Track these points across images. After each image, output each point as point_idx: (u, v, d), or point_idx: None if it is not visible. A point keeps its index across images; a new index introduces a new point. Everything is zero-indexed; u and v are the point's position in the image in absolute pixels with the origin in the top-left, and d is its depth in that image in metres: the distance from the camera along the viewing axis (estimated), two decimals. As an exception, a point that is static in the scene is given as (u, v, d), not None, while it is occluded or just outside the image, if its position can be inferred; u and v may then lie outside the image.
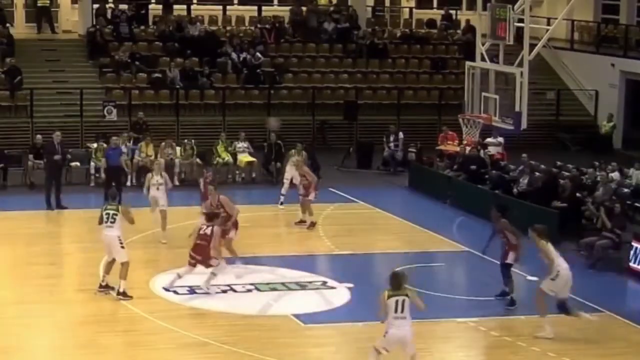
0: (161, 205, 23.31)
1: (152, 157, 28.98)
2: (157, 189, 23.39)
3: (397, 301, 14.49)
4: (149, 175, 23.83)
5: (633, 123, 37.24)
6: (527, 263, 21.99)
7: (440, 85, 37.91)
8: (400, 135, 32.78)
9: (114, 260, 19.18)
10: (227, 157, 30.26)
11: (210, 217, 19.54)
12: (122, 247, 19.06)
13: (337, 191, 28.90)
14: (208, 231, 19.19)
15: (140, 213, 26.10)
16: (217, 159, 30.20)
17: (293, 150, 27.05)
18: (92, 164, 29.10)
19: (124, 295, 18.95)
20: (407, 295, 14.57)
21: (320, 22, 39.85)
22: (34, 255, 22.08)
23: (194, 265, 19.32)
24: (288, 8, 40.77)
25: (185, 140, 30.72)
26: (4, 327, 17.48)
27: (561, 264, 17.46)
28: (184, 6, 40.02)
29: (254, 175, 30.12)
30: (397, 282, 14.65)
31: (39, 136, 29.22)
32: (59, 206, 26.20)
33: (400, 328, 14.55)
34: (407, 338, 14.67)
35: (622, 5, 40.64)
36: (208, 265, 19.24)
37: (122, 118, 33.29)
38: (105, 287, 19.27)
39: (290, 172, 26.41)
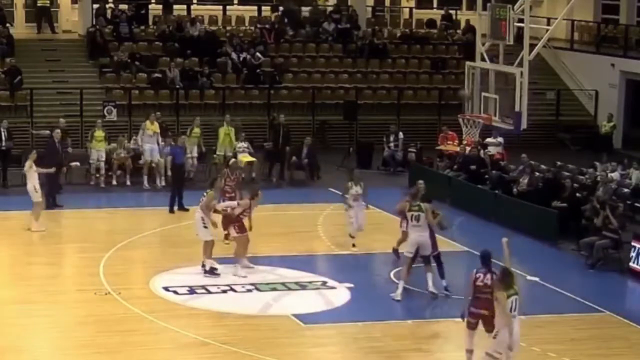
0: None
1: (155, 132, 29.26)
2: None
3: (512, 301, 14.67)
4: None
5: (633, 123, 37.25)
6: (527, 263, 22.03)
7: (440, 85, 37.89)
8: (400, 135, 32.78)
9: (212, 241, 20.47)
10: (229, 146, 30.09)
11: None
12: (205, 227, 20.29)
13: (337, 191, 28.84)
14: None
15: (140, 213, 26.27)
16: (217, 155, 30.02)
17: (350, 183, 23.27)
18: (94, 154, 29.08)
19: (210, 271, 20.31)
20: (518, 294, 14.75)
21: (314, 18, 39.91)
22: (34, 255, 22.08)
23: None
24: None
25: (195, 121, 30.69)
26: (4, 327, 17.48)
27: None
28: (184, 6, 40.02)
29: (254, 175, 30.11)
30: (507, 280, 14.77)
31: (62, 120, 29.55)
32: (55, 205, 26.22)
33: (515, 328, 14.71)
34: (518, 340, 14.87)
35: (622, 5, 40.64)
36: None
37: (122, 118, 33.26)
38: (208, 271, 20.40)
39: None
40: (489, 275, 15.48)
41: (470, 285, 15.60)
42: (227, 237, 22.24)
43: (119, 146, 29.47)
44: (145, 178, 28.82)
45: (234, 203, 21.06)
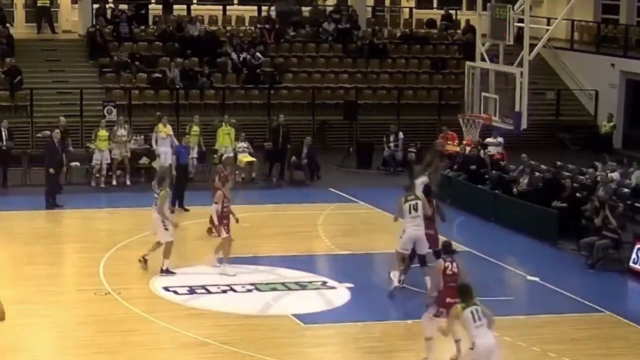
0: None
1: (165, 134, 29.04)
2: None
3: (472, 312, 14.06)
4: None
5: (633, 123, 37.24)
6: (527, 263, 22.05)
7: (440, 85, 37.89)
8: (400, 135, 32.78)
9: (159, 242, 20.49)
10: (229, 144, 30.03)
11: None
12: (166, 229, 20.22)
13: (337, 191, 28.91)
14: None
15: (140, 213, 26.27)
16: (217, 156, 29.97)
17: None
18: (98, 154, 28.98)
19: (167, 272, 20.27)
20: (478, 304, 14.14)
21: (315, 18, 39.89)
22: (34, 255, 22.07)
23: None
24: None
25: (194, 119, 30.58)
26: (4, 327, 17.41)
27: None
28: (184, 6, 40.02)
29: (254, 175, 30.12)
30: (467, 294, 14.22)
31: (63, 119, 29.49)
32: (55, 205, 26.23)
33: (485, 337, 14.02)
34: (495, 347, 14.17)
35: (622, 5, 40.63)
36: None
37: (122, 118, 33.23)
38: (144, 261, 20.63)
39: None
40: (455, 264, 15.97)
41: (440, 275, 15.82)
42: (210, 231, 22.73)
43: (119, 127, 29.35)
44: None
45: (214, 205, 20.93)
